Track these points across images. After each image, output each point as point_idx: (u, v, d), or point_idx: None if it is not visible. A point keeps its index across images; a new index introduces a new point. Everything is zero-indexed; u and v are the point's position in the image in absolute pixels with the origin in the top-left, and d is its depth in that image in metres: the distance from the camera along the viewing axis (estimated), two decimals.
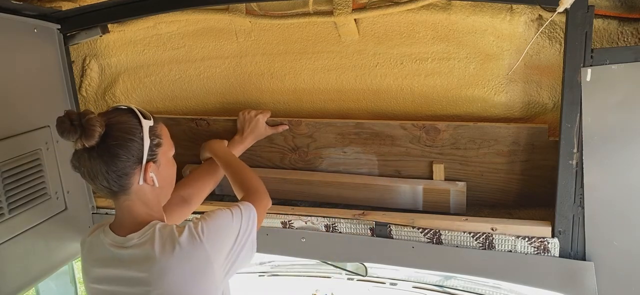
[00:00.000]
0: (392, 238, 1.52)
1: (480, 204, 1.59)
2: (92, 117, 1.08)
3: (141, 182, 1.14)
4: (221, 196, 1.85)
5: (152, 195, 1.18)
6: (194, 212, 1.55)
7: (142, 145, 1.12)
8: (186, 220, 1.45)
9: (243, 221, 1.19)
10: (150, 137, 1.14)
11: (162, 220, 1.19)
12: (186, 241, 1.07)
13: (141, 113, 1.15)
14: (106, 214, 1.84)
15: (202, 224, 1.11)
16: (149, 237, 1.09)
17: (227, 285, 1.21)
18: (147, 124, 1.14)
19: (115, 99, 1.96)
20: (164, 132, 1.21)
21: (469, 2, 1.42)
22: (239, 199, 1.38)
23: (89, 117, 1.08)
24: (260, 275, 3.07)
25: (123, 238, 1.13)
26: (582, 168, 1.29)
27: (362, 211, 1.58)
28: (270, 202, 1.41)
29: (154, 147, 1.15)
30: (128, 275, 1.09)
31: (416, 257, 1.51)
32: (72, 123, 1.06)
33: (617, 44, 1.33)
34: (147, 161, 1.13)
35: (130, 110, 1.15)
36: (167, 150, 1.21)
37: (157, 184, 1.16)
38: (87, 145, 1.08)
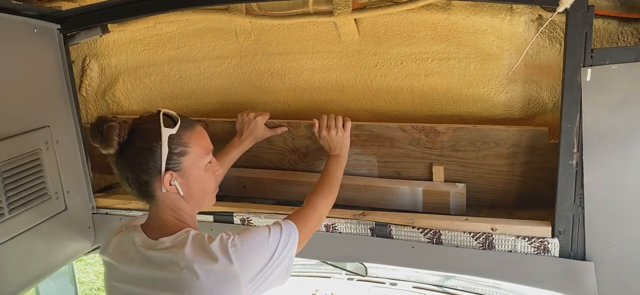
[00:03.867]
0: (392, 238, 1.52)
1: (480, 206, 1.59)
2: (112, 125, 1.10)
3: (163, 190, 1.12)
4: (221, 196, 1.85)
5: (180, 203, 1.15)
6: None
7: (160, 154, 1.10)
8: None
9: (281, 242, 1.15)
10: (171, 146, 1.11)
11: (195, 228, 1.17)
12: (215, 252, 1.05)
13: (168, 118, 1.13)
14: (106, 214, 1.84)
15: (234, 237, 1.08)
16: (180, 242, 1.08)
17: None
18: (167, 132, 1.10)
19: (115, 99, 1.96)
20: (194, 139, 1.15)
21: (469, 2, 1.42)
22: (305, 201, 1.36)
23: (109, 125, 1.11)
24: None
25: (154, 241, 1.12)
26: (582, 168, 1.29)
27: (362, 211, 1.58)
28: (320, 223, 1.36)
29: (176, 156, 1.12)
30: (156, 276, 1.08)
31: (416, 257, 1.51)
32: (97, 129, 1.11)
33: (617, 44, 1.33)
34: (167, 170, 1.11)
35: (156, 116, 1.13)
36: (198, 159, 1.16)
37: (181, 193, 1.14)
38: (107, 152, 1.12)
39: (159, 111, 1.14)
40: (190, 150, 1.14)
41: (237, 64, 1.79)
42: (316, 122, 1.57)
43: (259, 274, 1.09)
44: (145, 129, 1.12)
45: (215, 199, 1.25)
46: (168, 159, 1.11)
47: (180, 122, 1.14)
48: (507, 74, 1.51)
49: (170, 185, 1.12)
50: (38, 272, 1.62)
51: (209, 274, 1.04)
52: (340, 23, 1.56)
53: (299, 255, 1.76)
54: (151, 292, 1.08)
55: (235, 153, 1.63)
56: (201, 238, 1.08)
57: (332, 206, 1.40)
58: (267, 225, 1.16)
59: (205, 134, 1.21)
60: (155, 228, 1.15)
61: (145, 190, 1.14)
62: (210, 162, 1.20)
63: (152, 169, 1.11)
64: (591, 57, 1.22)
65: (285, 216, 1.26)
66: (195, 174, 1.16)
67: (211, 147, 1.21)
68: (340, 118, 1.54)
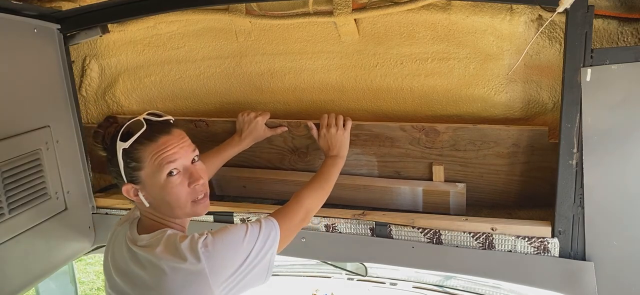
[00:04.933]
0: (392, 238, 1.52)
1: (480, 205, 1.59)
2: (97, 131, 1.16)
3: (131, 198, 1.14)
4: (221, 196, 1.85)
5: (153, 210, 1.15)
6: None
7: (118, 167, 1.10)
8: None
9: (258, 242, 1.11)
10: (125, 160, 1.09)
11: (181, 230, 1.17)
12: (183, 251, 1.03)
13: (126, 131, 1.10)
14: (106, 214, 1.84)
15: (207, 237, 1.06)
16: (155, 241, 1.08)
17: None
18: (120, 146, 1.08)
19: (115, 99, 1.96)
20: (149, 153, 1.09)
21: (469, 2, 1.42)
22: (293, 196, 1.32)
23: (94, 130, 1.16)
24: None
25: (138, 236, 1.13)
26: (582, 168, 1.29)
27: (362, 211, 1.58)
28: (308, 219, 1.32)
29: (131, 170, 1.10)
30: (136, 273, 1.09)
31: (416, 257, 1.51)
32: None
33: (617, 44, 1.33)
34: (128, 182, 1.11)
35: (121, 127, 1.11)
36: (153, 174, 1.09)
37: (146, 204, 1.13)
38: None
39: (127, 120, 1.12)
40: (143, 165, 1.09)
41: (237, 64, 1.79)
42: (313, 125, 1.57)
43: (234, 274, 1.06)
44: (111, 138, 1.13)
45: (202, 210, 1.16)
46: (125, 172, 1.10)
47: (140, 134, 1.08)
48: (507, 74, 1.51)
49: (136, 196, 1.12)
50: (38, 272, 1.63)
51: (177, 273, 1.03)
52: (340, 23, 1.56)
53: (299, 255, 1.77)
54: (132, 290, 1.10)
55: (232, 151, 1.62)
56: (174, 237, 1.07)
57: (322, 204, 1.38)
58: (245, 223, 1.13)
59: (173, 143, 1.11)
60: (142, 224, 1.18)
61: (124, 195, 1.15)
62: (171, 173, 1.09)
63: (118, 178, 1.13)
64: (591, 57, 1.22)
65: (269, 213, 1.23)
66: (155, 189, 1.11)
67: (179, 156, 1.10)
68: (340, 117, 1.54)
